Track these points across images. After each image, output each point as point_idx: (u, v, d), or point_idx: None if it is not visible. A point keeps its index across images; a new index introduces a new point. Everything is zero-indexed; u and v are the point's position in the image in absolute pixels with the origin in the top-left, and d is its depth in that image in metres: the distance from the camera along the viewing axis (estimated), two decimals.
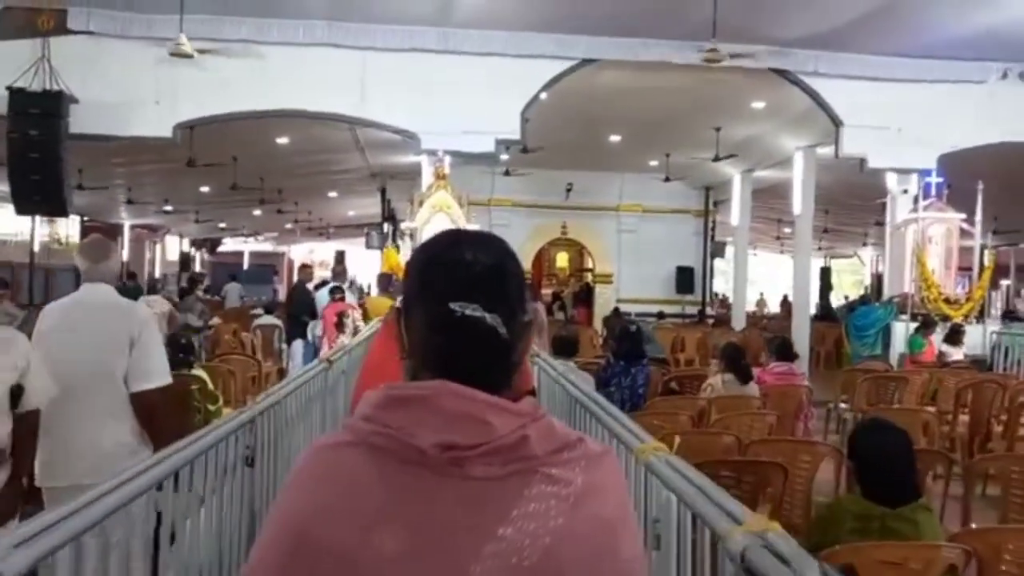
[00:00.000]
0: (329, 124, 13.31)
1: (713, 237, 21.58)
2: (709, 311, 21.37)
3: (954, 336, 9.48)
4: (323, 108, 10.84)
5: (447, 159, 11.01)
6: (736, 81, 11.87)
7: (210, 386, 5.81)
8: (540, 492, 0.96)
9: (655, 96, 12.78)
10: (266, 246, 36.25)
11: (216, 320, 12.51)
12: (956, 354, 9.41)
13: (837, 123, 11.42)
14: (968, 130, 11.37)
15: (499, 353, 1.03)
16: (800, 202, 14.94)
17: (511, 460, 0.96)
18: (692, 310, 20.49)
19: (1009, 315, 11.13)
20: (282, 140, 14.63)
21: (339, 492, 0.97)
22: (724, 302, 24.51)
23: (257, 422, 3.07)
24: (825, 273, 32.93)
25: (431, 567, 0.93)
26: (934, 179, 11.06)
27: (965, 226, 10.88)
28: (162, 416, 3.54)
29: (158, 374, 3.58)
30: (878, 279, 30.30)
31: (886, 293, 11.79)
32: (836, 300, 27.02)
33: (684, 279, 20.44)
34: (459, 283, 1.03)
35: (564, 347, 5.89)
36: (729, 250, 25.38)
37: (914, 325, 10.66)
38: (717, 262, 22.94)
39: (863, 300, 11.77)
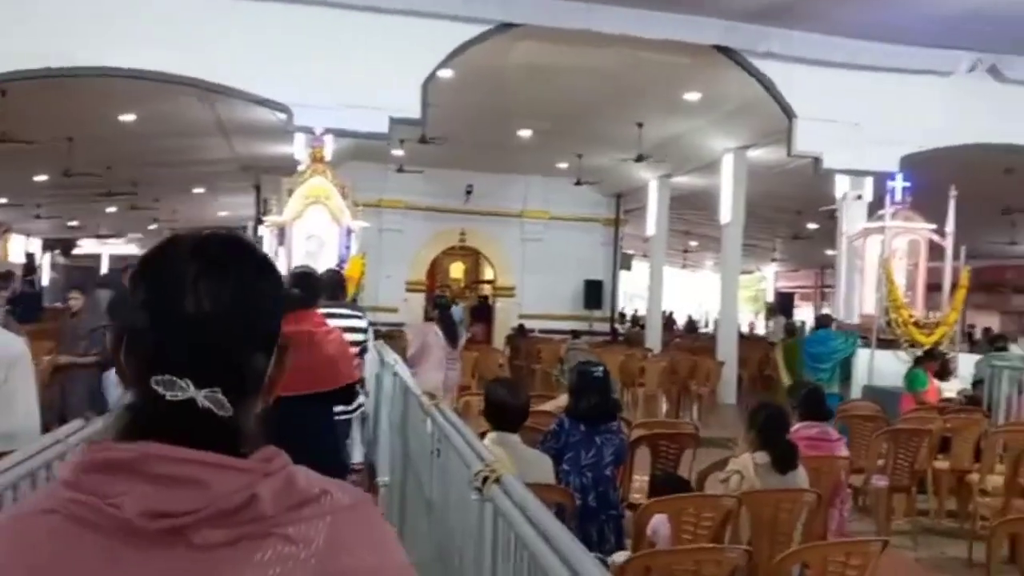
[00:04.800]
0: (181, 100, 10.97)
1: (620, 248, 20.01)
2: (619, 328, 19.75)
3: (943, 368, 7.94)
4: (143, 64, 8.28)
5: (328, 140, 8.83)
6: (671, 63, 10.17)
7: None
8: (275, 555, 0.83)
9: (574, 80, 10.96)
10: (130, 249, 32.85)
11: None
12: (948, 389, 7.88)
13: (790, 115, 9.80)
14: (933, 129, 9.95)
15: (219, 430, 0.86)
16: (730, 210, 13.45)
17: (238, 523, 0.82)
18: (600, 327, 18.77)
19: (998, 340, 9.68)
20: (126, 117, 12.08)
21: (27, 570, 0.83)
22: (635, 319, 22.99)
23: None
24: None
25: None
26: (899, 183, 9.56)
27: (935, 238, 9.42)
28: None
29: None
30: (781, 297, 29.61)
31: (840, 315, 10.23)
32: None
33: (592, 293, 18.75)
34: (168, 350, 0.85)
35: (501, 414, 3.43)
36: (636, 264, 24.04)
37: (882, 353, 9.09)
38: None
39: (820, 323, 10.10)
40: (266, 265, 0.93)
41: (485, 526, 1.66)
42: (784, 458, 3.67)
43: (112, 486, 0.83)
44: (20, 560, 0.83)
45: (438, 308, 7.79)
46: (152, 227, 25.34)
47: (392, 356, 4.99)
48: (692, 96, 11.41)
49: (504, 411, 3.46)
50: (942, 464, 6.19)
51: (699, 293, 34.46)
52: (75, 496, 0.84)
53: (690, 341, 20.13)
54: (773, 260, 27.95)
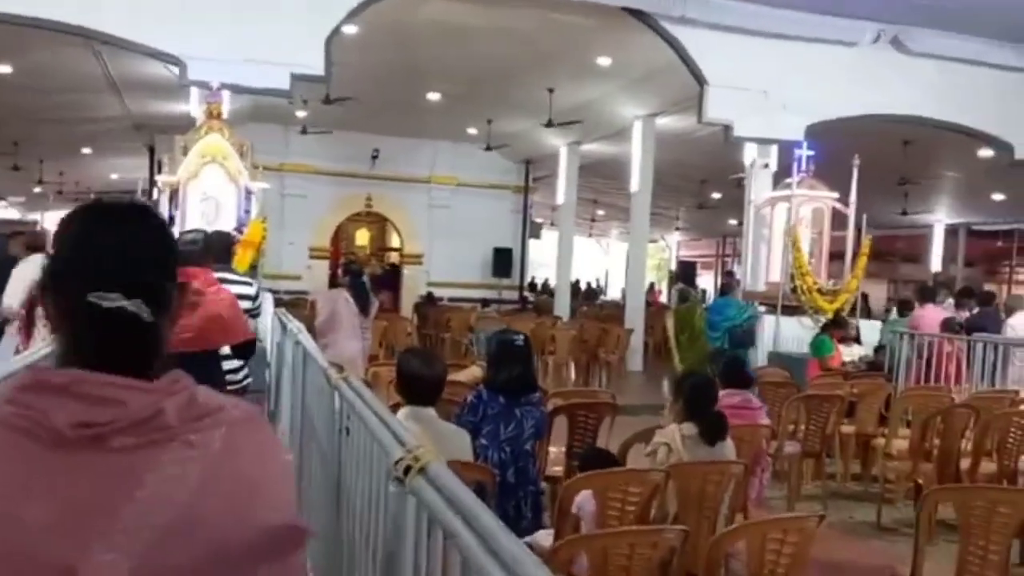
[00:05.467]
0: (66, 51, 10.19)
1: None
2: (529, 296, 19.67)
3: (844, 330, 8.03)
4: (19, 9, 7.60)
5: (225, 96, 8.33)
6: (583, 26, 10.00)
7: None
8: (177, 457, 1.01)
9: (486, 41, 10.67)
10: (10, 213, 30.92)
11: None
12: (849, 354, 8.01)
13: (701, 82, 9.78)
14: (838, 99, 10.08)
15: (143, 336, 1.06)
16: (639, 178, 13.42)
17: (148, 432, 1.01)
18: (509, 295, 18.63)
19: (904, 306, 9.89)
20: (2, 68, 11.17)
21: None
22: (546, 287, 22.93)
23: None
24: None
25: (76, 533, 0.97)
26: (805, 152, 9.65)
27: (839, 206, 9.55)
28: None
29: None
30: (684, 266, 30.08)
31: (747, 283, 10.32)
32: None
33: (502, 261, 18.57)
34: (98, 271, 1.05)
35: (415, 387, 3.16)
36: (544, 232, 23.99)
37: (788, 319, 9.22)
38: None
39: (722, 291, 10.17)
40: (160, 220, 1.16)
41: (407, 521, 1.44)
42: (712, 429, 3.54)
43: (47, 403, 1.00)
44: None
45: (349, 275, 7.42)
46: (37, 190, 23.84)
47: (295, 323, 4.67)
48: (604, 61, 11.25)
49: (418, 384, 3.19)
50: (848, 429, 6.27)
51: (605, 262, 34.78)
52: (15, 410, 1.01)
53: (596, 309, 20.26)
54: (677, 229, 28.30)
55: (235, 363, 4.18)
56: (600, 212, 26.26)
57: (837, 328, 7.98)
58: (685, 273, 27.01)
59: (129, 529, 0.96)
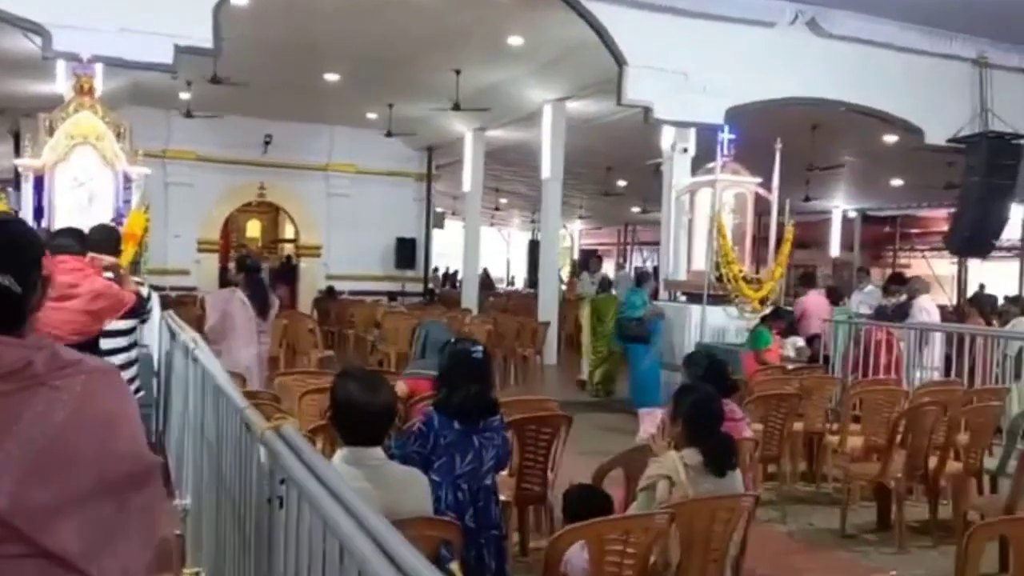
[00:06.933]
0: None
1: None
2: (435, 289, 18.99)
3: (790, 326, 7.70)
4: None
5: (98, 70, 7.35)
6: (496, 3, 9.42)
7: None
8: (45, 398, 1.22)
9: (389, 17, 9.94)
10: None
11: None
12: (787, 346, 7.69)
13: (620, 62, 9.31)
14: (755, 81, 9.80)
15: (9, 303, 1.28)
16: (550, 164, 12.92)
17: (20, 379, 1.22)
18: (413, 287, 17.89)
19: (832, 293, 9.68)
20: None
21: None
22: (450, 278, 22.27)
23: None
24: (534, 247, 32.18)
25: None
26: (726, 135, 9.31)
27: (762, 192, 9.26)
28: None
29: None
30: (585, 255, 29.89)
31: (667, 272, 9.93)
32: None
33: (405, 252, 17.82)
34: None
35: (355, 420, 2.48)
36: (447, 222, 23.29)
37: (713, 309, 8.86)
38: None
39: (638, 280, 9.77)
40: (20, 227, 1.44)
41: None
42: (720, 456, 2.97)
43: None
44: None
45: (244, 270, 6.50)
46: None
47: (190, 334, 3.90)
48: (515, 41, 10.68)
49: (360, 416, 2.45)
50: (797, 426, 5.90)
51: (505, 252, 34.35)
52: None
53: (503, 300, 19.74)
54: (580, 218, 28.06)
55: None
56: (503, 200, 25.74)
57: (777, 320, 7.62)
58: (586, 263, 26.82)
59: (12, 456, 1.17)
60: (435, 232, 20.99)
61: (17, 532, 1.14)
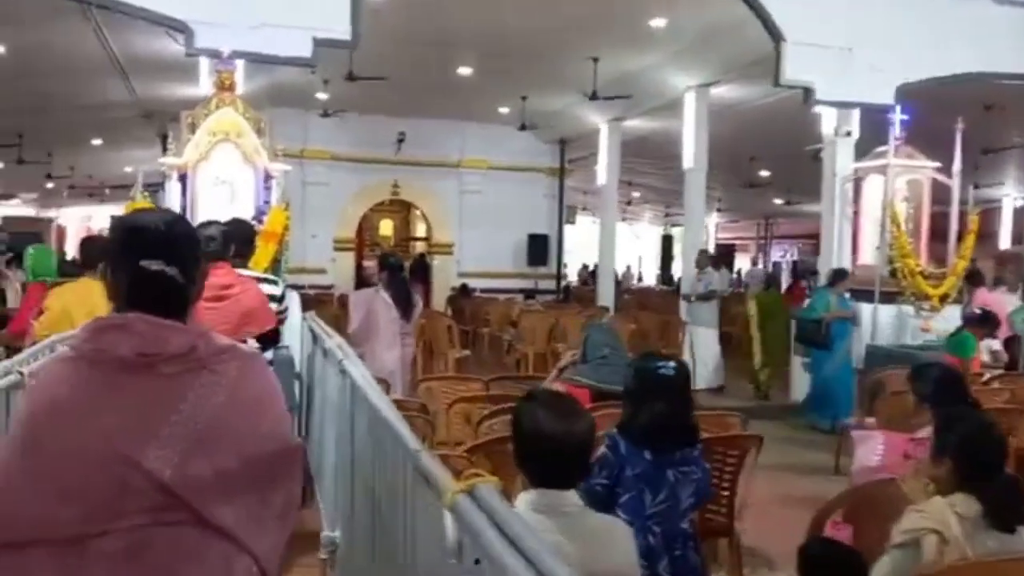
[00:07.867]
0: (62, 27, 9.20)
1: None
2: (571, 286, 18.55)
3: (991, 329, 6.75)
4: None
5: (239, 66, 7.24)
6: None
7: None
8: (207, 381, 1.40)
9: (526, 5, 9.53)
10: (26, 210, 30.06)
11: None
12: (983, 353, 6.79)
13: (778, 38, 8.56)
14: (929, 57, 8.84)
15: (177, 292, 1.47)
16: (692, 153, 12.22)
17: (186, 362, 1.40)
18: (546, 285, 17.48)
19: None
20: None
21: (66, 390, 1.40)
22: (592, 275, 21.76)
23: None
24: (667, 241, 31.25)
25: (135, 434, 1.34)
26: (898, 116, 8.43)
27: (941, 178, 8.34)
28: None
29: None
30: (721, 249, 28.78)
31: (829, 264, 9.09)
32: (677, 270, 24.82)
33: (537, 249, 17.44)
34: (147, 246, 1.47)
35: (545, 457, 2.00)
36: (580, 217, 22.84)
37: (886, 308, 8.02)
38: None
39: (833, 277, 8.65)
40: (187, 227, 1.63)
41: None
42: (1006, 506, 2.31)
43: (112, 338, 1.41)
44: (46, 393, 1.43)
45: (387, 269, 6.17)
46: (49, 186, 22.89)
47: (335, 339, 3.57)
48: (658, 23, 10.08)
49: (553, 451, 1.98)
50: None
51: (635, 247, 33.62)
52: (92, 346, 1.41)
53: (638, 298, 19.12)
54: (717, 211, 26.98)
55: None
56: (635, 194, 25.03)
57: (984, 326, 6.62)
58: (722, 258, 25.79)
59: (173, 435, 1.33)
60: (569, 228, 20.59)
61: (180, 500, 1.30)
